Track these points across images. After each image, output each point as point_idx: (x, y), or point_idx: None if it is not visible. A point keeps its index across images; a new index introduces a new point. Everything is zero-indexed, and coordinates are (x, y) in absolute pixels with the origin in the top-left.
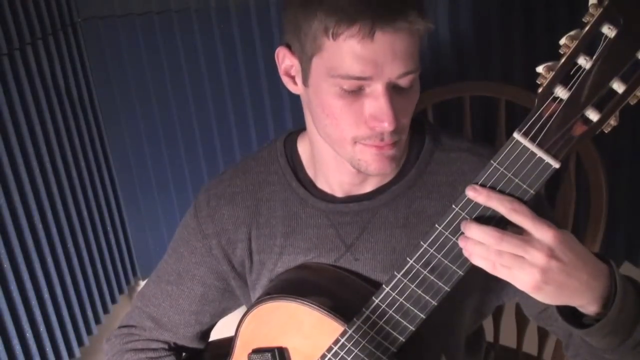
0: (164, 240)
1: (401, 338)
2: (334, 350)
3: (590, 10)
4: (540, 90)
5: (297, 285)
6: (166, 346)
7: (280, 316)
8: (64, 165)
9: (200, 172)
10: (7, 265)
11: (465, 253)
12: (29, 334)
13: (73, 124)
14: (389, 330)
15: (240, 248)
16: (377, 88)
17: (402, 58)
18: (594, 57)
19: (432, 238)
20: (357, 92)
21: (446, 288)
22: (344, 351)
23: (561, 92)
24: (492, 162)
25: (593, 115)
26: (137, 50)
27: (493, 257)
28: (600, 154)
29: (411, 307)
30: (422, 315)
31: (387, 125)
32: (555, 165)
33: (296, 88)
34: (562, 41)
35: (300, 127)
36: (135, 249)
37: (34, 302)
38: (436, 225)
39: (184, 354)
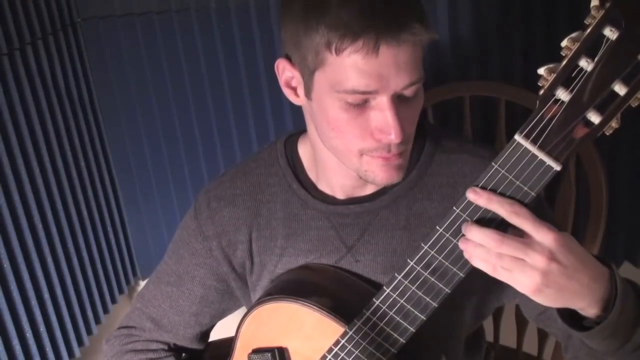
0: (164, 240)
1: (402, 339)
2: (334, 352)
3: (592, 12)
4: (541, 92)
5: (297, 286)
6: (166, 347)
7: (280, 317)
8: (64, 165)
9: (200, 172)
10: (7, 265)
11: (466, 255)
12: (29, 334)
13: (73, 124)
14: (390, 332)
15: (241, 249)
16: (382, 101)
17: (406, 69)
18: (596, 60)
19: (432, 240)
20: (362, 105)
21: (447, 290)
22: (344, 352)
23: (563, 95)
24: (493, 164)
25: (595, 118)
26: (137, 50)
27: (493, 259)
28: (600, 154)
29: (412, 309)
30: (422, 317)
31: (394, 138)
32: (557, 167)
33: (298, 99)
34: (564, 43)
35: (301, 128)
36: (135, 249)
37: (34, 302)
38: (437, 227)
39: (183, 354)
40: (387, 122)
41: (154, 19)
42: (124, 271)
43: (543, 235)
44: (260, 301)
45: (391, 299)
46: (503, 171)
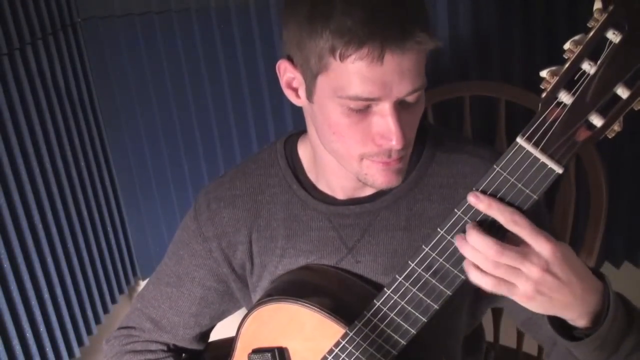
0: (164, 241)
1: (402, 341)
2: (334, 353)
3: (595, 15)
4: (544, 95)
5: (298, 287)
6: (165, 347)
7: (281, 318)
8: (64, 165)
9: (200, 172)
10: (7, 265)
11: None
12: (29, 334)
13: (73, 124)
14: (390, 334)
15: (241, 250)
16: (384, 107)
17: (409, 77)
18: (599, 63)
19: (434, 242)
20: (364, 111)
21: (448, 292)
22: (345, 353)
23: (565, 97)
24: (495, 166)
25: (597, 121)
26: (137, 50)
27: (490, 267)
28: (600, 154)
29: (412, 311)
30: (423, 319)
31: (395, 144)
32: (559, 170)
33: (299, 101)
34: (567, 46)
35: (301, 129)
36: (135, 249)
37: (34, 302)
38: (438, 229)
39: (183, 355)
40: (388, 128)
41: (154, 19)
42: (124, 271)
43: (541, 246)
44: (261, 302)
45: (392, 301)
46: (505, 174)
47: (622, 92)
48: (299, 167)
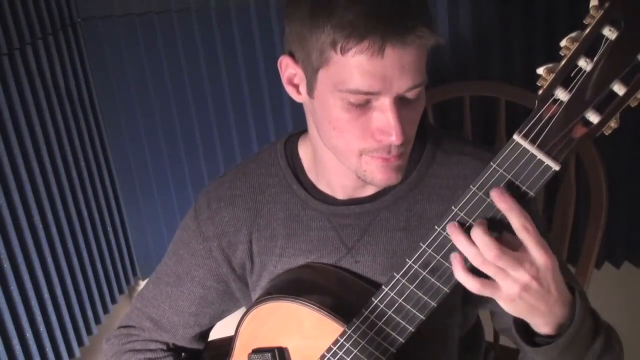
0: (164, 241)
1: (400, 339)
2: (333, 351)
3: (591, 12)
4: (540, 92)
5: (297, 285)
6: (164, 347)
7: (280, 316)
8: (64, 165)
9: (200, 172)
10: (7, 265)
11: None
12: (29, 334)
13: (73, 124)
14: (389, 331)
15: (241, 250)
16: (384, 102)
17: (410, 72)
18: (595, 59)
19: (431, 239)
20: (364, 106)
21: (445, 289)
22: (343, 351)
23: (562, 94)
24: (492, 163)
25: (593, 118)
26: (137, 50)
27: (478, 263)
28: (600, 154)
29: (410, 308)
30: (421, 316)
31: (394, 139)
32: (555, 167)
33: (300, 97)
34: (563, 43)
35: (301, 129)
36: (135, 249)
37: (34, 302)
38: (435, 227)
39: (182, 354)
40: (388, 123)
41: (154, 19)
42: (124, 271)
43: (539, 256)
44: (260, 300)
45: (390, 298)
46: (501, 170)
47: (619, 89)
48: (299, 167)
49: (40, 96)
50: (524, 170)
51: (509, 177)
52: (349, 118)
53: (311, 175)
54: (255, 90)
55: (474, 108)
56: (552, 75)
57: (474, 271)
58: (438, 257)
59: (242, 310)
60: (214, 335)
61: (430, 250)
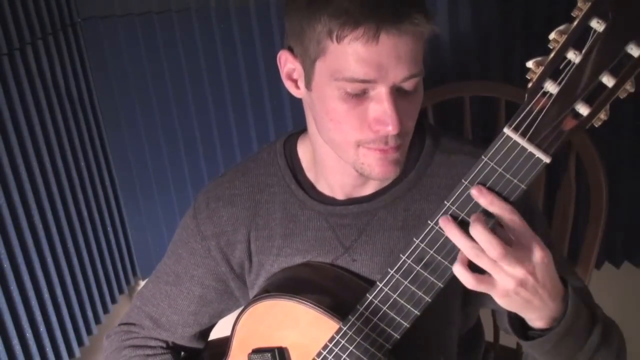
0: (164, 240)
1: (396, 335)
2: (329, 348)
3: (579, 4)
4: (530, 85)
5: (293, 283)
6: (164, 344)
7: (276, 314)
8: (64, 165)
9: (200, 172)
10: (7, 265)
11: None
12: (29, 334)
13: (73, 124)
14: (384, 327)
15: (239, 249)
16: (381, 91)
17: (406, 61)
18: (583, 52)
19: (424, 234)
20: (360, 96)
21: (439, 284)
22: (339, 348)
23: (551, 87)
24: (483, 157)
25: (583, 110)
26: (137, 50)
27: (473, 256)
28: (600, 154)
29: (405, 304)
30: (416, 312)
31: (391, 129)
32: (546, 160)
33: (299, 92)
34: (552, 36)
35: (301, 129)
36: (135, 249)
37: (34, 302)
38: (428, 222)
39: (182, 353)
40: (385, 113)
41: (154, 19)
42: (124, 271)
43: (534, 251)
44: (256, 298)
45: (384, 294)
46: (492, 164)
47: (608, 81)
48: (298, 167)
49: (40, 96)
50: (515, 163)
51: (500, 170)
52: (346, 108)
53: (310, 175)
54: (255, 90)
55: (474, 108)
56: (541, 68)
57: (469, 265)
58: (431, 252)
59: (241, 308)
60: (214, 334)
61: (423, 245)
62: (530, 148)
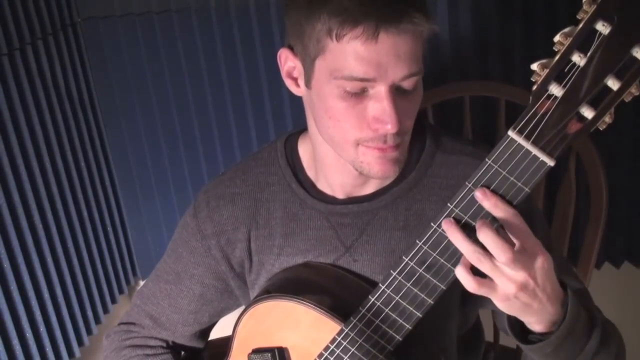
0: (164, 240)
1: (398, 337)
2: (331, 349)
3: (584, 7)
4: (534, 87)
5: (295, 284)
6: (164, 344)
7: (277, 315)
8: (64, 165)
9: (200, 172)
10: (7, 265)
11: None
12: (29, 334)
13: (73, 124)
14: (386, 329)
15: (240, 248)
16: (380, 90)
17: (405, 60)
18: (589, 54)
19: (427, 236)
20: (360, 94)
21: (442, 286)
22: (340, 349)
23: (555, 90)
24: (487, 159)
25: (588, 113)
26: (137, 50)
27: (474, 260)
28: (600, 154)
29: (407, 306)
30: (418, 314)
31: (390, 128)
32: (550, 163)
33: (299, 90)
34: (557, 38)
35: (301, 128)
36: (135, 249)
37: (34, 302)
38: (431, 224)
39: (182, 352)
40: (384, 111)
41: (154, 19)
42: (124, 271)
43: (535, 255)
44: (257, 299)
45: (386, 296)
46: (496, 167)
47: (613, 84)
48: (299, 166)
49: (40, 96)
50: (519, 166)
51: (504, 173)
52: (345, 106)
53: (310, 173)
54: (255, 90)
55: (474, 108)
56: (546, 71)
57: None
58: (434, 255)
59: (241, 308)
60: (214, 334)
61: (426, 248)
62: (535, 151)
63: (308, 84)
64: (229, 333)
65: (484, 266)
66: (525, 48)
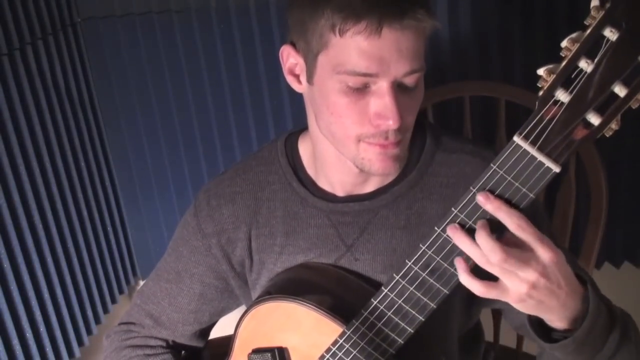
0: (164, 240)
1: (400, 340)
2: (332, 351)
3: (592, 12)
4: (541, 93)
5: (296, 285)
6: (164, 344)
7: (279, 316)
8: (64, 165)
9: (200, 172)
10: (7, 265)
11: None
12: (29, 334)
13: (73, 124)
14: (388, 332)
15: (240, 247)
16: (382, 86)
17: (408, 56)
18: (596, 61)
19: (430, 240)
20: (362, 90)
21: (445, 291)
22: (342, 352)
23: (562, 96)
24: (492, 165)
25: (594, 119)
26: (137, 50)
27: (483, 263)
28: (600, 155)
29: (410, 310)
30: (420, 318)
31: (391, 123)
32: (556, 169)
33: (300, 87)
34: (564, 44)
35: (301, 127)
36: (135, 249)
37: (34, 302)
38: (435, 228)
39: (182, 352)
40: (386, 107)
41: (154, 19)
42: (124, 271)
43: (543, 253)
44: (259, 300)
45: (389, 300)
46: (502, 172)
47: (620, 91)
48: (299, 164)
49: (40, 96)
50: (525, 172)
51: (509, 178)
52: (347, 102)
53: (311, 172)
54: (255, 90)
55: (474, 108)
56: (553, 77)
57: (479, 270)
58: (438, 259)
59: (242, 308)
60: (215, 334)
61: (430, 252)
62: (540, 157)
63: (310, 80)
64: (229, 332)
65: (493, 268)
66: (525, 48)
